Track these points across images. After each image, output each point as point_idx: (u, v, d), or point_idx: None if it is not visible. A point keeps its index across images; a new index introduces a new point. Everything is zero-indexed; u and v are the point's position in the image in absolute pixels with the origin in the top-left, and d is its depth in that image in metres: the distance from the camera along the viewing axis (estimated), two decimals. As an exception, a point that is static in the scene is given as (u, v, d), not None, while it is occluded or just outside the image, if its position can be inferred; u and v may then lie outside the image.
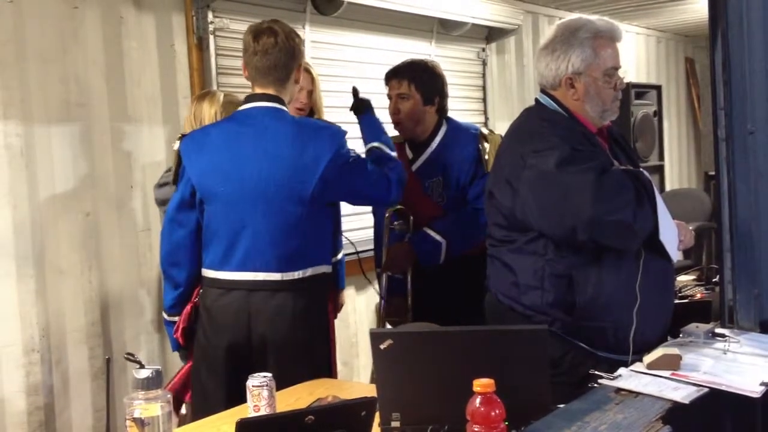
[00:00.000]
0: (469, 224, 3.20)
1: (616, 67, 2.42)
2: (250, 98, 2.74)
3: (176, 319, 2.83)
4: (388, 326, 3.26)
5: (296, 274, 2.62)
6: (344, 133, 2.73)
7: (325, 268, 2.72)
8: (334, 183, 2.62)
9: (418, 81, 3.25)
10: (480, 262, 3.16)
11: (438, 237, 3.19)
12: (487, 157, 3.23)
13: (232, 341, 2.63)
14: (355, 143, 3.49)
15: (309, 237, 2.64)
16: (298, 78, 2.79)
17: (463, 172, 3.24)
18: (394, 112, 3.30)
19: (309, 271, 2.64)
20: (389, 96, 3.32)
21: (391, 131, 3.39)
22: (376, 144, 2.85)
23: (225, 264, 2.65)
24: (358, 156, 2.75)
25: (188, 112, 3.29)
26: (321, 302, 2.74)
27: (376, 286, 3.38)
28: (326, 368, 2.78)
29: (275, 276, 2.61)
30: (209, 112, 3.21)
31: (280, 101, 2.71)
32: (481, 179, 3.20)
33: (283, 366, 2.48)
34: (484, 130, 3.35)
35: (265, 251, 2.61)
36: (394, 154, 2.86)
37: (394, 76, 3.31)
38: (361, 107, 3.01)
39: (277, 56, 2.69)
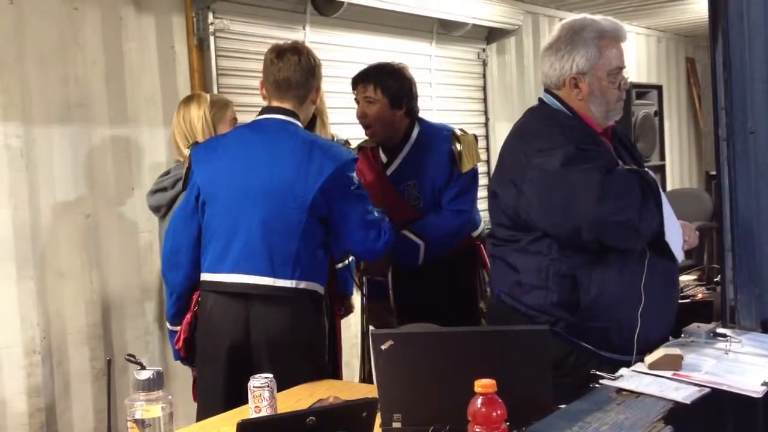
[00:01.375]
0: (447, 226, 3.20)
1: (621, 67, 2.41)
2: (266, 110, 2.75)
3: (178, 328, 2.83)
4: (371, 329, 3.26)
5: (290, 282, 2.61)
6: (354, 158, 2.72)
7: (319, 288, 2.70)
8: (331, 198, 2.61)
9: (384, 85, 3.22)
10: (459, 262, 3.17)
11: (416, 239, 3.18)
12: (460, 157, 3.22)
13: (231, 344, 2.63)
14: (354, 144, 3.51)
15: (304, 246, 2.62)
16: (315, 99, 2.80)
17: (439, 174, 3.22)
18: (361, 116, 3.27)
19: (303, 284, 2.63)
20: (356, 100, 3.29)
21: (363, 135, 3.38)
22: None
23: (221, 265, 2.66)
24: (363, 188, 2.74)
25: (176, 116, 3.29)
26: (318, 313, 2.71)
27: (365, 289, 3.38)
28: (327, 371, 2.78)
29: (268, 280, 2.60)
30: (197, 114, 3.21)
31: (296, 116, 2.72)
32: (457, 180, 3.20)
33: (281, 369, 2.47)
34: (457, 131, 3.32)
35: (258, 253, 2.61)
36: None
37: (360, 80, 3.28)
38: None
39: (299, 73, 2.70)
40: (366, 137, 3.36)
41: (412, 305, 3.20)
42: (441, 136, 3.28)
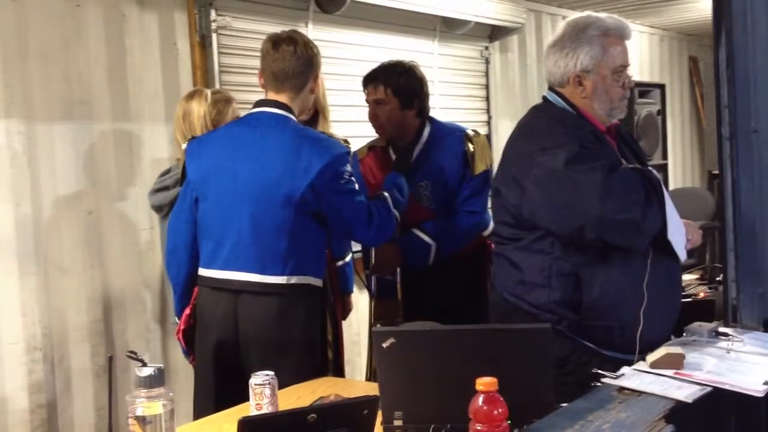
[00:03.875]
0: (459, 226, 3.18)
1: (625, 65, 2.41)
2: (260, 103, 2.75)
3: None
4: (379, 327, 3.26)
5: (280, 279, 2.60)
6: (346, 151, 2.72)
7: (315, 281, 2.69)
8: (322, 193, 2.60)
9: (394, 85, 3.18)
10: (469, 262, 3.15)
11: (427, 239, 3.17)
12: (473, 159, 3.21)
13: (220, 337, 2.65)
14: (360, 143, 3.51)
15: (295, 242, 2.61)
16: (313, 88, 2.79)
17: (452, 175, 3.20)
18: (373, 118, 3.25)
19: (294, 279, 2.62)
20: (367, 101, 3.27)
21: (365, 134, 3.37)
22: (388, 196, 2.87)
23: (213, 262, 2.67)
24: (354, 182, 2.73)
25: (177, 112, 3.29)
26: (310, 307, 2.69)
27: (373, 288, 3.37)
28: (322, 368, 2.78)
29: (257, 277, 2.61)
30: (198, 112, 3.21)
31: (289, 110, 2.71)
32: (470, 182, 3.19)
33: (270, 364, 2.44)
34: (470, 132, 3.30)
35: (249, 251, 2.61)
36: (395, 211, 2.85)
37: (369, 81, 3.24)
38: (400, 168, 3.12)
39: (295, 64, 2.69)
40: (374, 136, 3.35)
41: (419, 304, 3.19)
42: (453, 137, 3.26)
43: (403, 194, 2.95)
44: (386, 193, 2.88)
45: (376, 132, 3.31)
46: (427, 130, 3.27)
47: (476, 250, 3.31)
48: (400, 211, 2.90)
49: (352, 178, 2.72)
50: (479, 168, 3.19)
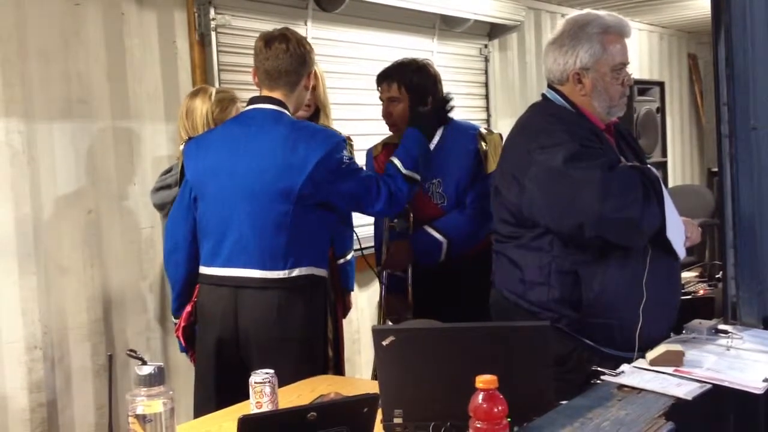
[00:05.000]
0: (470, 226, 3.18)
1: (624, 63, 2.41)
2: (254, 100, 2.75)
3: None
4: (389, 323, 3.26)
5: (281, 273, 2.61)
6: (343, 139, 2.72)
7: (317, 271, 2.69)
8: (322, 184, 2.61)
9: (408, 83, 3.18)
10: (480, 260, 3.15)
11: (439, 236, 3.17)
12: (486, 157, 3.20)
13: (220, 337, 2.65)
14: (360, 140, 3.50)
15: (296, 236, 2.62)
16: (308, 85, 2.80)
17: (464, 174, 3.20)
18: (386, 116, 3.24)
19: (296, 272, 2.63)
20: (381, 98, 3.26)
21: (387, 131, 3.37)
22: (395, 159, 2.85)
23: (214, 260, 2.68)
24: (353, 162, 2.73)
25: (181, 110, 3.29)
26: (312, 302, 2.70)
27: (384, 283, 3.38)
28: (322, 363, 2.78)
29: (259, 273, 2.61)
30: (201, 110, 3.21)
31: (283, 105, 2.71)
32: (482, 180, 3.18)
33: (270, 358, 2.45)
34: (483, 130, 3.30)
35: (250, 248, 2.62)
36: (406, 172, 2.82)
37: (383, 79, 3.24)
38: (416, 120, 3.00)
39: (288, 62, 2.70)
40: (373, 135, 3.34)
41: (429, 301, 3.19)
42: (467, 136, 3.25)
43: (411, 153, 2.87)
44: (395, 159, 2.85)
45: (390, 129, 3.30)
46: (440, 128, 3.27)
47: (487, 249, 3.30)
48: (419, 169, 2.85)
49: (352, 160, 2.72)
50: (492, 167, 3.17)
